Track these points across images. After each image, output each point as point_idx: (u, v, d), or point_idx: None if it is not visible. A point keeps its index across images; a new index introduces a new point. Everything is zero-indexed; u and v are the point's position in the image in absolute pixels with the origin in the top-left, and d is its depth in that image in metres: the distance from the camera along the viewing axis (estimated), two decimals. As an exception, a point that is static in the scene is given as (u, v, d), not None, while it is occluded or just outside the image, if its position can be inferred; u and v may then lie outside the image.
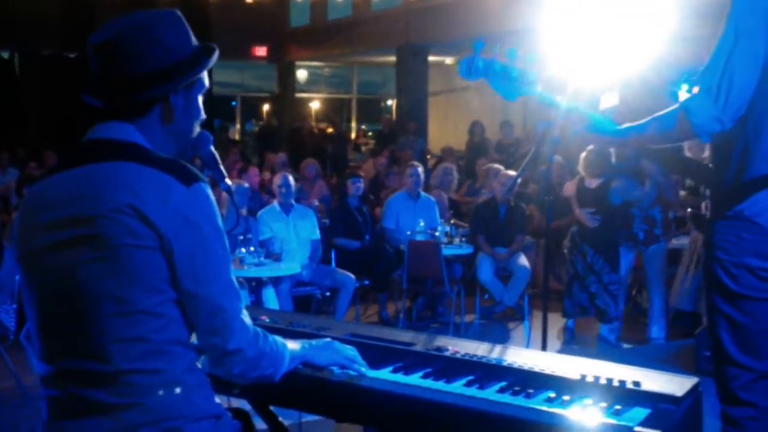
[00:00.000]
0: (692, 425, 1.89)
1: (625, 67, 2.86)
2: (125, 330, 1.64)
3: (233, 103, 20.65)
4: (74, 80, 1.93)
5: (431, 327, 6.81)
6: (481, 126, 13.13)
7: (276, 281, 5.92)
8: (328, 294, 6.44)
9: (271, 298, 5.81)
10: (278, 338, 1.86)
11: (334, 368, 2.00)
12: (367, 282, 6.83)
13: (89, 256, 1.64)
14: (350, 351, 2.03)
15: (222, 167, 2.07)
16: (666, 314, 6.32)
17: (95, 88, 1.77)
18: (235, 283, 1.75)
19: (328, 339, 2.05)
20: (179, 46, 1.78)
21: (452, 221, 7.31)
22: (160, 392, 1.64)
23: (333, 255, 6.92)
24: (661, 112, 2.40)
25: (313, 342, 2.00)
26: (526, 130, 13.63)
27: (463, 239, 6.92)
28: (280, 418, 2.37)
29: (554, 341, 6.30)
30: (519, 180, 6.77)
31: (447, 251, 6.54)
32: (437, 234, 6.70)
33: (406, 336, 2.28)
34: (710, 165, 2.58)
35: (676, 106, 2.36)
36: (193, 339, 1.74)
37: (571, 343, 6.27)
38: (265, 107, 20.52)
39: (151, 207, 1.63)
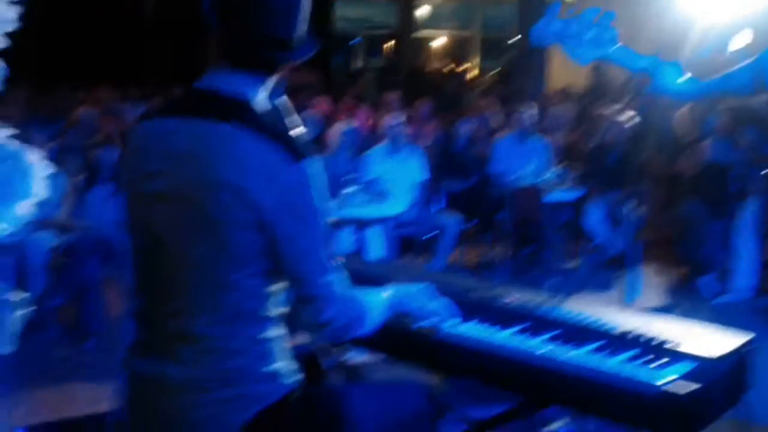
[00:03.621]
0: (736, 381, 1.91)
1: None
2: (204, 296, 1.73)
3: (355, 40, 20.71)
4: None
5: (534, 272, 6.82)
6: (605, 66, 12.66)
7: (380, 221, 6.06)
8: (432, 235, 6.53)
9: (374, 238, 5.96)
10: (371, 294, 1.89)
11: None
12: (472, 224, 6.87)
13: (187, 220, 1.72)
14: (442, 299, 2.08)
15: (296, 115, 2.14)
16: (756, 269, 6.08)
17: (239, 30, 1.75)
18: (329, 258, 1.78)
19: (423, 285, 2.08)
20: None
21: (562, 165, 7.21)
22: (226, 358, 1.74)
23: (439, 197, 6.99)
24: (734, 68, 2.36)
25: (410, 287, 2.05)
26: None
27: (573, 184, 6.83)
28: (351, 354, 2.51)
29: (657, 291, 6.21)
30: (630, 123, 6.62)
31: (554, 196, 6.48)
32: (545, 178, 6.63)
33: (469, 283, 2.37)
34: None
35: (749, 60, 2.31)
36: (271, 310, 1.80)
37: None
38: (387, 45, 20.48)
39: (255, 186, 1.66)
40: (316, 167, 1.74)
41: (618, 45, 2.45)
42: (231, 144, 1.69)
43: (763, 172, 5.83)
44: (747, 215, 5.99)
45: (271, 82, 1.84)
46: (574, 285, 6.33)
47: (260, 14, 1.75)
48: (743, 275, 5.96)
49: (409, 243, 6.62)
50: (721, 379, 1.82)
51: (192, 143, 1.72)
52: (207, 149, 1.70)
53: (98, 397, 3.86)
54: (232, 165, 1.67)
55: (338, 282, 1.80)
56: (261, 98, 1.81)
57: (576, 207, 6.88)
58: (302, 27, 1.80)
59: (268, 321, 1.81)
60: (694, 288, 6.20)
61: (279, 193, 1.68)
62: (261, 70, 1.80)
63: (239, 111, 1.74)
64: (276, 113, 1.84)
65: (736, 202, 6.00)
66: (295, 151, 1.71)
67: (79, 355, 4.71)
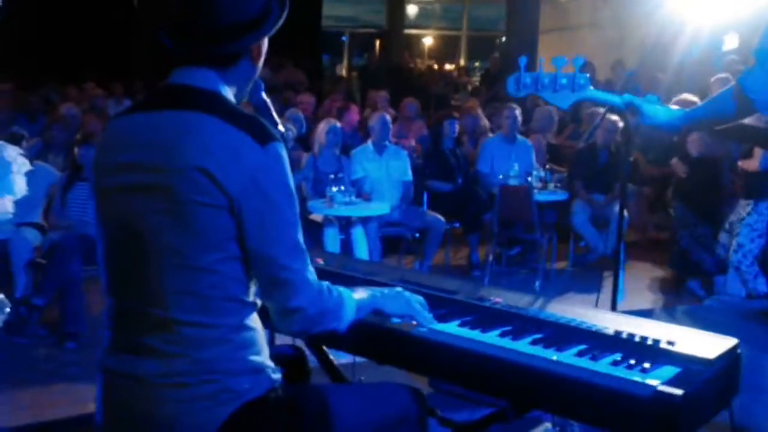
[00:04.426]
0: (725, 386, 1.88)
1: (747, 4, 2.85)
2: (181, 282, 1.70)
3: (343, 38, 20.70)
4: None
5: (521, 273, 6.82)
6: (592, 66, 12.69)
7: (365, 221, 6.04)
8: (417, 235, 6.51)
9: (359, 238, 5.94)
10: (345, 291, 1.88)
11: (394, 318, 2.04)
12: (457, 224, 6.87)
13: (158, 206, 1.70)
14: (418, 301, 2.06)
15: (274, 113, 2.13)
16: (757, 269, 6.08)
17: (181, 33, 1.78)
18: (302, 243, 1.76)
19: (399, 288, 2.08)
20: None
21: (548, 166, 7.21)
22: (207, 347, 1.71)
23: (425, 197, 6.97)
24: (714, 95, 2.39)
25: (385, 290, 2.04)
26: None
27: (558, 185, 6.83)
28: (331, 357, 2.48)
29: (645, 293, 6.21)
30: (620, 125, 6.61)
31: (541, 196, 6.47)
32: (530, 179, 6.64)
33: (452, 284, 2.34)
34: None
35: (729, 86, 2.33)
36: (252, 295, 1.78)
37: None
38: (374, 44, 20.47)
39: (223, 168, 1.66)
40: (285, 153, 1.74)
41: (591, 87, 2.55)
42: (197, 129, 1.70)
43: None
44: (737, 218, 5.99)
45: (245, 68, 1.83)
46: (560, 286, 6.33)
47: (206, 8, 1.75)
48: (732, 279, 5.96)
49: (395, 243, 6.60)
50: (711, 382, 1.79)
51: (159, 132, 1.73)
52: (174, 136, 1.71)
53: (81, 399, 3.82)
54: (199, 149, 1.68)
55: (312, 271, 1.78)
56: (231, 87, 1.82)
57: (563, 208, 6.87)
58: (256, 4, 1.78)
59: (249, 308, 1.79)
60: (683, 290, 6.20)
61: (245, 174, 1.67)
62: (224, 60, 1.80)
63: (207, 100, 1.76)
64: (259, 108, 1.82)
65: (726, 205, 6.00)
66: (262, 134, 1.72)
67: (62, 355, 4.65)
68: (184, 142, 1.69)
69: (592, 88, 2.52)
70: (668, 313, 5.66)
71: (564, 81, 2.46)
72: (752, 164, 5.53)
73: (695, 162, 6.02)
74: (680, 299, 6.10)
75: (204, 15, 1.76)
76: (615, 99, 2.59)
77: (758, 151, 5.36)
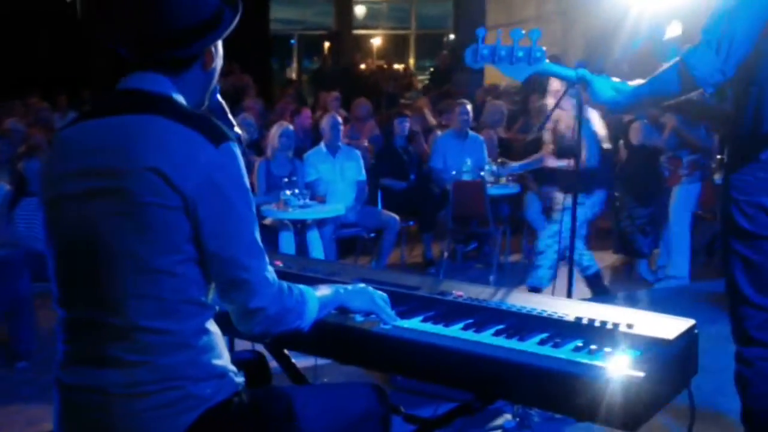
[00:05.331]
0: (684, 366, 1.91)
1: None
2: (141, 287, 1.67)
3: (291, 41, 20.61)
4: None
5: (476, 267, 6.85)
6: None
7: (321, 223, 6.01)
8: (372, 235, 6.51)
9: (315, 241, 5.91)
10: (306, 289, 1.86)
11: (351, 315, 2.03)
12: (412, 222, 6.88)
13: (112, 210, 1.67)
14: (382, 298, 2.05)
15: (230, 116, 2.10)
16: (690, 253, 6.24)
17: (130, 39, 1.76)
18: (259, 242, 1.74)
19: (363, 285, 2.06)
20: None
21: (500, 160, 7.26)
22: (169, 353, 1.68)
23: (379, 196, 6.97)
24: (658, 71, 2.43)
25: (348, 287, 2.02)
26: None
27: (510, 178, 6.88)
28: (294, 360, 2.46)
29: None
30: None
31: (493, 191, 6.52)
32: (483, 173, 6.68)
33: (413, 280, 2.34)
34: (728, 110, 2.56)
35: (674, 62, 2.37)
36: (211, 298, 1.76)
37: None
38: (324, 45, 20.44)
39: (177, 168, 1.64)
40: (240, 153, 1.72)
41: (547, 60, 2.57)
42: (150, 131, 1.68)
43: (689, 158, 5.98)
44: (680, 201, 6.13)
45: (197, 74, 1.81)
46: (515, 279, 6.38)
47: (156, 13, 1.73)
48: (677, 261, 6.09)
49: (350, 244, 6.59)
50: (671, 363, 1.82)
51: (111, 137, 1.70)
52: (126, 139, 1.68)
53: (36, 419, 3.73)
54: (152, 149, 1.65)
55: (271, 270, 1.77)
56: (185, 93, 1.79)
57: (516, 201, 6.94)
58: (209, 7, 1.76)
59: (208, 311, 1.76)
60: (633, 275, 6.31)
61: (199, 173, 1.65)
62: (176, 66, 1.78)
63: (159, 103, 1.73)
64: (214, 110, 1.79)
65: (666, 189, 6.14)
66: (216, 134, 1.70)
67: (14, 375, 4.54)
68: (136, 144, 1.66)
69: (547, 61, 2.52)
70: (622, 298, 5.75)
71: (521, 54, 2.47)
72: None
73: (635, 149, 6.17)
74: (631, 284, 6.21)
75: (153, 21, 1.73)
76: (569, 72, 2.61)
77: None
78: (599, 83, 2.59)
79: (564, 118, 5.23)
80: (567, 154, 5.21)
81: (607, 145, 5.41)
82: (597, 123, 5.27)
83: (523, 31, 2.51)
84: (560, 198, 5.34)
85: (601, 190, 5.44)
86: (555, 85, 5.02)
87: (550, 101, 5.13)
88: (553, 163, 5.50)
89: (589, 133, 5.04)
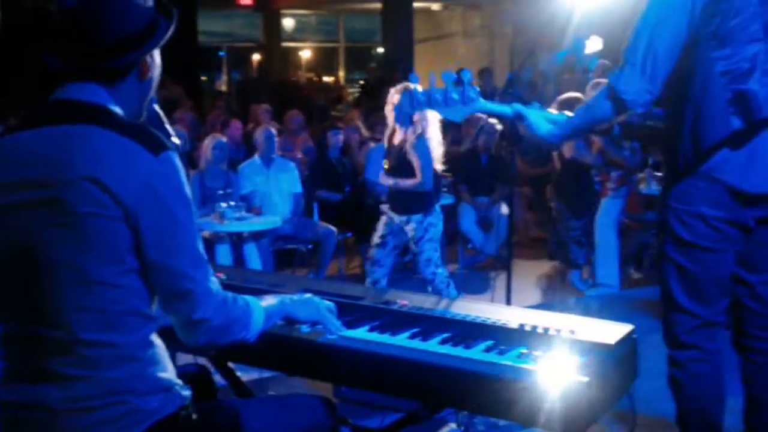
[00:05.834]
0: (625, 370, 1.97)
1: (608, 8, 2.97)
2: (82, 299, 1.64)
3: (220, 53, 20.43)
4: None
5: (413, 278, 6.89)
6: (490, 72, 12.96)
7: (257, 235, 5.97)
8: (310, 247, 6.49)
9: (252, 253, 5.87)
10: (252, 299, 1.85)
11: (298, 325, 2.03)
12: (349, 234, 6.89)
13: (50, 221, 1.64)
14: (327, 307, 2.05)
15: (168, 126, 2.08)
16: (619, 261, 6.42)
17: (65, 50, 1.74)
18: (202, 252, 1.73)
19: (309, 294, 2.05)
20: (147, 4, 1.78)
21: (434, 171, 7.32)
22: (113, 367, 1.65)
23: (315, 208, 6.96)
24: (588, 101, 2.50)
25: (294, 297, 2.01)
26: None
27: (444, 189, 6.95)
28: (239, 373, 2.44)
29: (534, 289, 6.42)
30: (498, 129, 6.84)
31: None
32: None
33: (357, 290, 2.35)
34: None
35: (602, 88, 2.46)
36: (155, 309, 1.74)
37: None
38: (253, 58, 20.33)
39: (115, 178, 1.62)
40: (179, 162, 1.71)
41: (482, 99, 2.58)
42: (87, 141, 1.66)
43: (616, 173, 6.19)
44: (605, 213, 6.31)
45: (133, 84, 1.79)
46: (456, 288, 6.44)
47: (90, 23, 1.72)
48: (606, 270, 6.26)
49: (288, 256, 6.55)
50: (613, 368, 1.87)
51: (47, 147, 1.67)
52: (63, 150, 1.66)
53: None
54: (89, 160, 1.63)
55: (214, 281, 1.75)
56: (121, 103, 1.77)
57: (450, 212, 7.01)
58: (142, 19, 1.75)
59: (152, 323, 1.74)
60: (567, 284, 6.45)
61: (139, 183, 1.64)
62: (111, 76, 1.75)
63: (95, 113, 1.71)
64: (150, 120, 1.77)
65: (595, 201, 6.33)
66: (155, 143, 1.69)
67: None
68: (73, 154, 1.64)
69: (482, 100, 2.55)
70: (557, 306, 5.87)
71: (455, 96, 2.49)
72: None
73: (568, 162, 6.33)
74: (564, 293, 6.35)
75: (87, 31, 1.72)
76: (505, 109, 2.64)
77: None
78: (535, 117, 2.60)
79: (399, 131, 5.00)
80: (399, 172, 4.99)
81: (440, 167, 5.17)
82: (435, 141, 5.02)
83: (454, 73, 2.54)
84: (393, 218, 5.12)
85: (437, 204, 5.28)
86: (395, 98, 4.85)
87: (388, 110, 5.08)
88: (386, 180, 5.19)
89: (424, 152, 4.89)
